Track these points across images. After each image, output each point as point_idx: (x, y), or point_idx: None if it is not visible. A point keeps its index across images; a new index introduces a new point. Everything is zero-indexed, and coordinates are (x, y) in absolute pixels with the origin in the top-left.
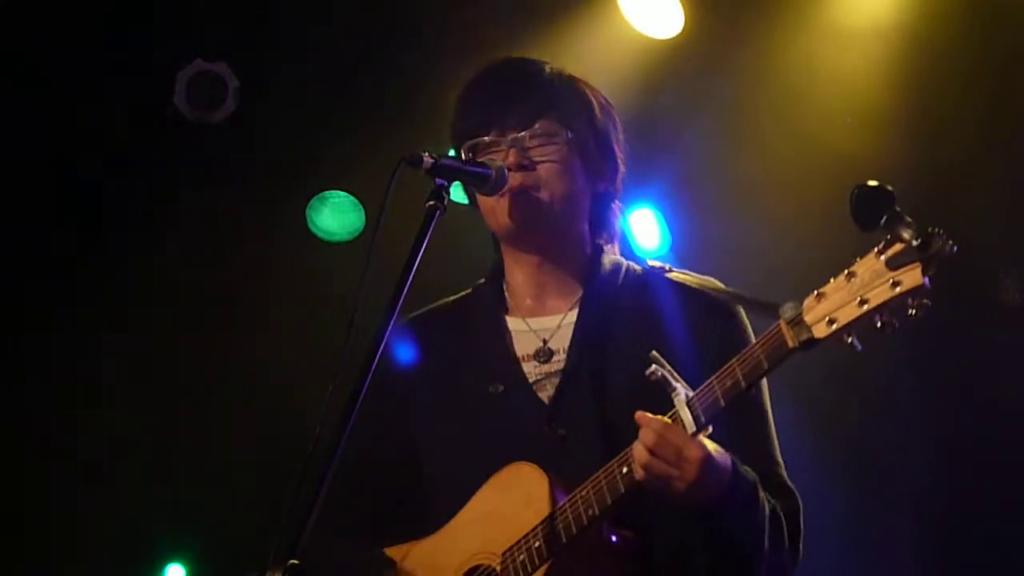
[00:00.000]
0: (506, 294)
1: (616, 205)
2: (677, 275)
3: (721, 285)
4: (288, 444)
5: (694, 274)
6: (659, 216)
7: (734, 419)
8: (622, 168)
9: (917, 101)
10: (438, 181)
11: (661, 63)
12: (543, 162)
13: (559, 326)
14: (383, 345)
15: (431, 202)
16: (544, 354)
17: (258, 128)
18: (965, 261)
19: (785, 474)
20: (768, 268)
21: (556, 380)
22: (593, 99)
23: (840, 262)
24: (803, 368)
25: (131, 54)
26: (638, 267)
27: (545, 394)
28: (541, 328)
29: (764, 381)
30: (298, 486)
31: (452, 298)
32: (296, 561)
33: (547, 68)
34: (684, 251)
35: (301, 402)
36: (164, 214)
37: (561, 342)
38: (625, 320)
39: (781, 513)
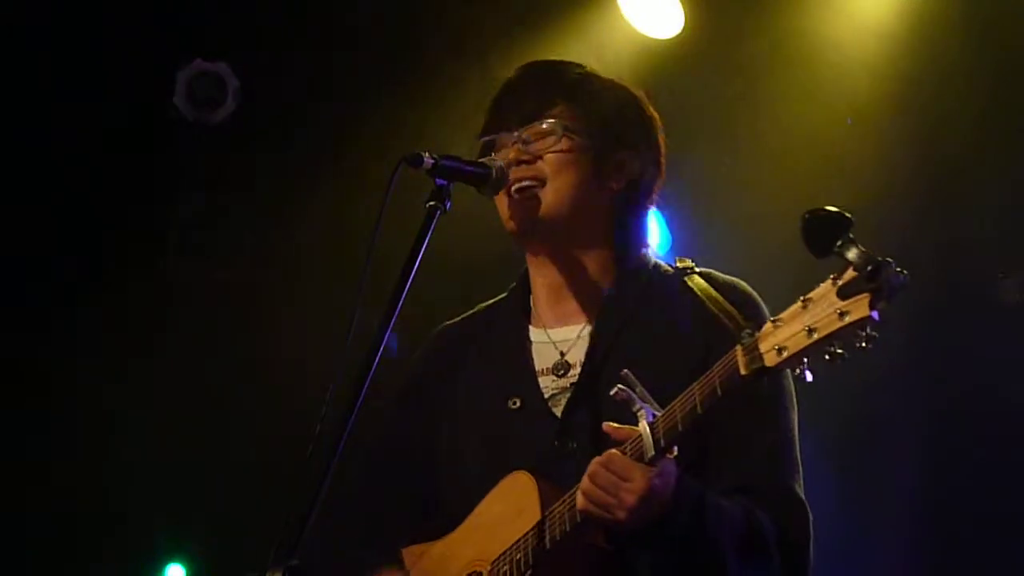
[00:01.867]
0: (532, 302)
1: (647, 208)
2: (698, 280)
3: (747, 287)
4: (288, 444)
5: (720, 275)
6: (659, 216)
7: (735, 428)
8: (651, 167)
9: (917, 101)
10: (439, 181)
11: (661, 63)
12: (543, 155)
13: (577, 337)
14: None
15: (431, 202)
16: (562, 367)
17: (258, 128)
18: (965, 261)
19: (795, 485)
20: (768, 269)
21: (570, 394)
22: (615, 94)
23: (839, 264)
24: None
25: (131, 54)
26: (668, 268)
27: (559, 409)
28: (560, 340)
29: (789, 387)
30: (299, 486)
31: (488, 303)
32: (296, 561)
33: (569, 67)
34: (684, 251)
35: (301, 402)
36: (164, 214)
37: (578, 355)
38: (645, 329)
39: (764, 528)
